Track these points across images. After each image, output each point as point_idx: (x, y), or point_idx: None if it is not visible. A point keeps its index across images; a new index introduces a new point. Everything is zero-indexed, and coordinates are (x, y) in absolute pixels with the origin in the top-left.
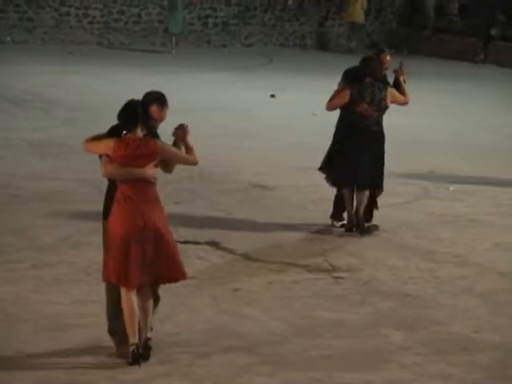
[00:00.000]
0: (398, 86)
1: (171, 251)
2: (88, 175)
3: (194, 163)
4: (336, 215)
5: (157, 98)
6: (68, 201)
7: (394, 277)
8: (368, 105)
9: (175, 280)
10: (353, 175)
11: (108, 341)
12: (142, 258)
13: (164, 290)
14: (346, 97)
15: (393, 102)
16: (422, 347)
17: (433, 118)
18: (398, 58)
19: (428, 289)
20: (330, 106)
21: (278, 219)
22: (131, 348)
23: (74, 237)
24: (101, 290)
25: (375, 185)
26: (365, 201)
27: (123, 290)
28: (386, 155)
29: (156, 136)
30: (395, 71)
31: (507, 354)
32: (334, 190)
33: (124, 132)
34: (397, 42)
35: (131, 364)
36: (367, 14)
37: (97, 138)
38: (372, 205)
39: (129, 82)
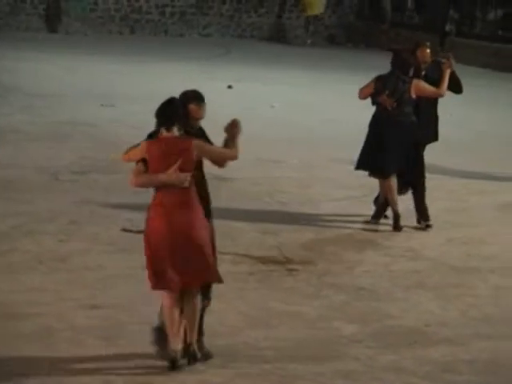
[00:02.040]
0: (442, 77)
1: (201, 253)
2: (44, 163)
3: (234, 158)
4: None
5: (194, 97)
6: (23, 188)
7: (348, 270)
8: (388, 96)
9: (207, 280)
10: (371, 162)
11: (58, 330)
12: (173, 261)
13: (120, 278)
14: (371, 87)
15: (420, 94)
16: (374, 340)
17: None
18: (356, 51)
19: (382, 282)
20: (360, 94)
21: (234, 210)
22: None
23: (28, 225)
24: (54, 278)
25: (401, 175)
26: (390, 191)
27: (163, 295)
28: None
29: (202, 132)
30: (443, 63)
31: (458, 347)
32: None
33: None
34: (354, 35)
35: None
36: (327, 5)
37: (132, 148)
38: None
39: (87, 70)
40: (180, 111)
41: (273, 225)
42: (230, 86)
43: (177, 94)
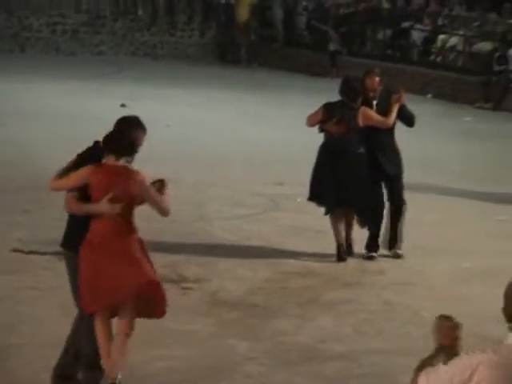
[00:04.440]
0: (389, 109)
1: None
2: None
3: (165, 214)
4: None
5: (140, 124)
6: None
7: (241, 287)
8: (336, 124)
9: None
10: (322, 196)
11: None
12: None
13: (7, 299)
14: (319, 114)
15: (367, 123)
16: (267, 357)
17: (283, 130)
18: (248, 70)
19: (275, 299)
20: (308, 122)
21: None
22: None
23: None
24: None
25: (351, 209)
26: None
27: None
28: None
29: None
30: (394, 96)
31: (351, 363)
32: None
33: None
34: (247, 54)
35: None
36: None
37: (67, 172)
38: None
39: None
40: (135, 142)
41: (166, 243)
42: (123, 105)
43: (72, 113)
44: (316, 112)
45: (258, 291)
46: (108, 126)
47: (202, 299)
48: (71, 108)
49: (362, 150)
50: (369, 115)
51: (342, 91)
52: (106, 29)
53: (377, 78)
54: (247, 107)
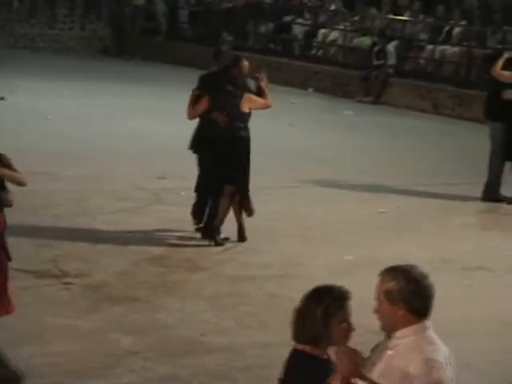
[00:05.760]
0: (261, 91)
1: None
2: None
3: None
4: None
5: None
6: None
7: (124, 282)
8: (219, 112)
9: None
10: (210, 182)
11: None
12: None
13: None
14: (205, 103)
15: (252, 107)
16: (150, 351)
17: (165, 123)
18: (131, 63)
19: (158, 293)
20: (192, 114)
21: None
22: None
23: None
24: None
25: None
26: (225, 209)
27: None
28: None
29: None
30: (256, 78)
31: (232, 355)
32: None
33: None
34: (129, 47)
35: None
36: None
37: None
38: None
39: None
40: None
41: (48, 238)
42: (2, 98)
43: None
44: (201, 101)
45: (141, 285)
46: None
47: (85, 294)
48: None
49: (245, 133)
50: (253, 99)
51: (223, 78)
52: None
53: (246, 63)
54: (129, 101)
